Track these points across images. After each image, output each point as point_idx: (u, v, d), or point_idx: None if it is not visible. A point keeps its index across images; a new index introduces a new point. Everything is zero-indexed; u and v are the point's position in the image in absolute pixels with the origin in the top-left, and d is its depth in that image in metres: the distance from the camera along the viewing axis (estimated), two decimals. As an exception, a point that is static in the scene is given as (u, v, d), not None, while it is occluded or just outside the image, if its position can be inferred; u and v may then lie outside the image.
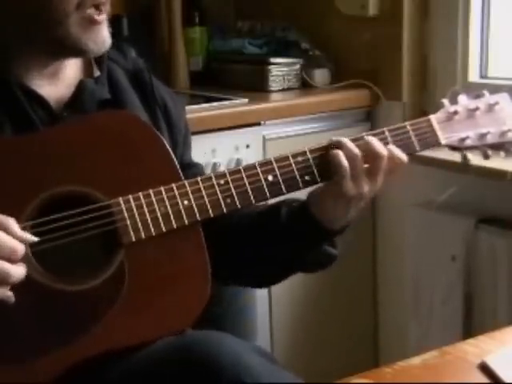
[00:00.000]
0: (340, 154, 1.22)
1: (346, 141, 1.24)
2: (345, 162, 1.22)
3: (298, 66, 2.42)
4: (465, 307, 2.14)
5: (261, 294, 2.09)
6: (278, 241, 1.30)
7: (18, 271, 1.09)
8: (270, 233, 1.31)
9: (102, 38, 1.24)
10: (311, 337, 2.41)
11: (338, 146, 1.24)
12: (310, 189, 1.28)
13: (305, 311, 2.39)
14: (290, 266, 1.34)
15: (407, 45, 2.30)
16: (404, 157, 1.25)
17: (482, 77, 2.27)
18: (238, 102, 2.20)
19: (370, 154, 1.23)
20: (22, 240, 1.10)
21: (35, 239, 1.12)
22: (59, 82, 1.29)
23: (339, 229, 1.28)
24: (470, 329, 2.12)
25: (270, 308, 2.30)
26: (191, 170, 1.38)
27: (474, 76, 2.26)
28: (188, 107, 1.52)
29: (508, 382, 1.13)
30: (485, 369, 1.17)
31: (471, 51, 2.24)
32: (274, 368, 1.12)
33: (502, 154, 1.31)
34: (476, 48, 2.25)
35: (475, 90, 1.33)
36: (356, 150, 1.23)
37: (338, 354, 2.43)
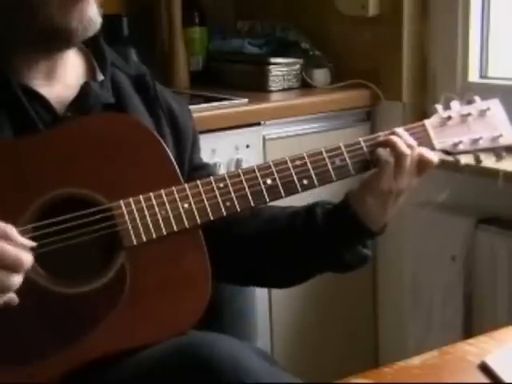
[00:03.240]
0: (384, 151, 1.26)
1: (397, 138, 1.27)
2: (390, 158, 1.25)
3: (298, 66, 2.42)
4: (465, 307, 2.14)
5: (261, 294, 2.10)
6: (313, 242, 1.31)
7: (17, 280, 1.08)
8: (305, 234, 1.32)
9: (88, 16, 1.21)
10: (311, 337, 2.41)
11: (387, 142, 1.27)
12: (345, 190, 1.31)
13: (305, 311, 2.39)
14: (322, 266, 1.36)
15: (407, 45, 2.30)
16: (433, 157, 1.28)
17: (481, 77, 2.27)
18: (237, 102, 2.20)
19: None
20: (23, 247, 1.08)
21: (34, 244, 1.11)
22: (58, 82, 1.28)
23: (379, 229, 1.30)
24: (470, 329, 2.12)
25: (269, 308, 2.30)
26: (202, 171, 1.39)
27: (473, 76, 2.26)
28: (188, 107, 1.53)
29: (508, 382, 1.14)
30: (485, 369, 1.17)
31: (471, 51, 2.24)
32: (273, 370, 1.12)
33: (494, 158, 1.33)
34: (476, 48, 2.25)
35: (468, 96, 1.35)
36: (405, 148, 1.26)
37: (338, 354, 2.43)
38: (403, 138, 1.27)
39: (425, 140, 1.30)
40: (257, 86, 2.38)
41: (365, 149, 1.27)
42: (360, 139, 1.28)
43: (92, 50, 1.34)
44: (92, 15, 1.22)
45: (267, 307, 2.28)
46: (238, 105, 2.19)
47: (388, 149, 1.26)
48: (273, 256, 1.35)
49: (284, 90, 2.39)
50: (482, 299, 2.12)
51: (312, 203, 1.34)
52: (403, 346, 2.33)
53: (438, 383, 1.19)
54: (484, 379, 1.16)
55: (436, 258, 2.21)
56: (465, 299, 2.14)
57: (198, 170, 1.39)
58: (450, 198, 2.12)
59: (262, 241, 1.35)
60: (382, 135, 1.29)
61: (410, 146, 1.26)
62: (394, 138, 1.27)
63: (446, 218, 2.17)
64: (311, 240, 1.31)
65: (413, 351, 1.34)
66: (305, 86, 2.43)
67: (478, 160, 1.33)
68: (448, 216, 2.16)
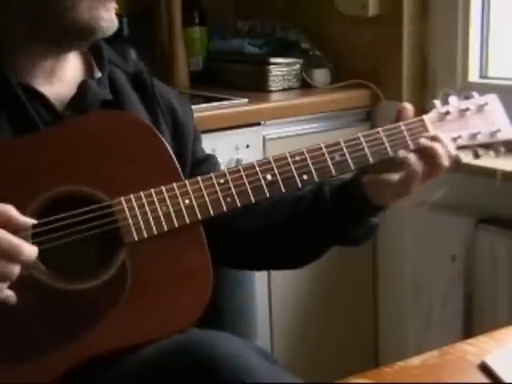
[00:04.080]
0: (414, 157, 1.23)
1: (441, 150, 1.23)
2: (419, 168, 1.22)
3: (297, 66, 2.42)
4: (465, 307, 2.15)
5: (261, 293, 2.10)
6: (325, 220, 1.30)
7: (17, 269, 1.08)
8: (316, 214, 1.31)
9: (111, 16, 1.25)
10: (311, 337, 2.41)
11: (428, 150, 1.24)
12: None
13: (305, 311, 2.39)
14: (334, 242, 1.35)
15: (407, 45, 2.30)
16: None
17: (481, 77, 2.27)
18: (237, 102, 2.20)
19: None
20: (25, 226, 1.09)
21: (34, 221, 1.11)
22: (58, 80, 1.28)
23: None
24: (470, 329, 2.12)
25: (269, 308, 2.30)
26: (206, 163, 1.40)
27: (473, 76, 2.26)
28: (188, 107, 1.53)
29: (508, 382, 1.14)
30: (485, 369, 1.17)
31: (471, 51, 2.24)
32: (273, 369, 1.12)
33: (492, 153, 1.33)
34: (476, 48, 2.25)
35: (466, 92, 1.35)
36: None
37: (338, 354, 2.43)
38: (446, 148, 1.24)
39: (423, 135, 1.30)
40: (257, 86, 2.38)
41: (364, 144, 1.27)
42: (359, 135, 1.27)
43: (90, 47, 1.34)
44: (114, 16, 1.25)
45: (267, 305, 2.28)
46: (238, 105, 2.19)
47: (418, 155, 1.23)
48: (285, 239, 1.34)
49: (284, 90, 2.39)
50: (482, 299, 2.12)
51: (318, 183, 1.31)
52: (403, 345, 2.33)
53: (437, 383, 1.19)
54: (484, 379, 1.16)
55: (436, 257, 2.21)
56: (465, 299, 2.14)
57: (201, 163, 1.39)
58: (450, 197, 2.13)
59: (268, 223, 1.34)
60: (380, 130, 1.28)
61: (450, 157, 1.24)
62: (438, 147, 1.23)
63: (445, 217, 2.17)
64: (322, 220, 1.30)
65: (413, 351, 1.34)
66: (305, 86, 2.43)
67: (476, 155, 1.32)
68: (448, 216, 2.16)
